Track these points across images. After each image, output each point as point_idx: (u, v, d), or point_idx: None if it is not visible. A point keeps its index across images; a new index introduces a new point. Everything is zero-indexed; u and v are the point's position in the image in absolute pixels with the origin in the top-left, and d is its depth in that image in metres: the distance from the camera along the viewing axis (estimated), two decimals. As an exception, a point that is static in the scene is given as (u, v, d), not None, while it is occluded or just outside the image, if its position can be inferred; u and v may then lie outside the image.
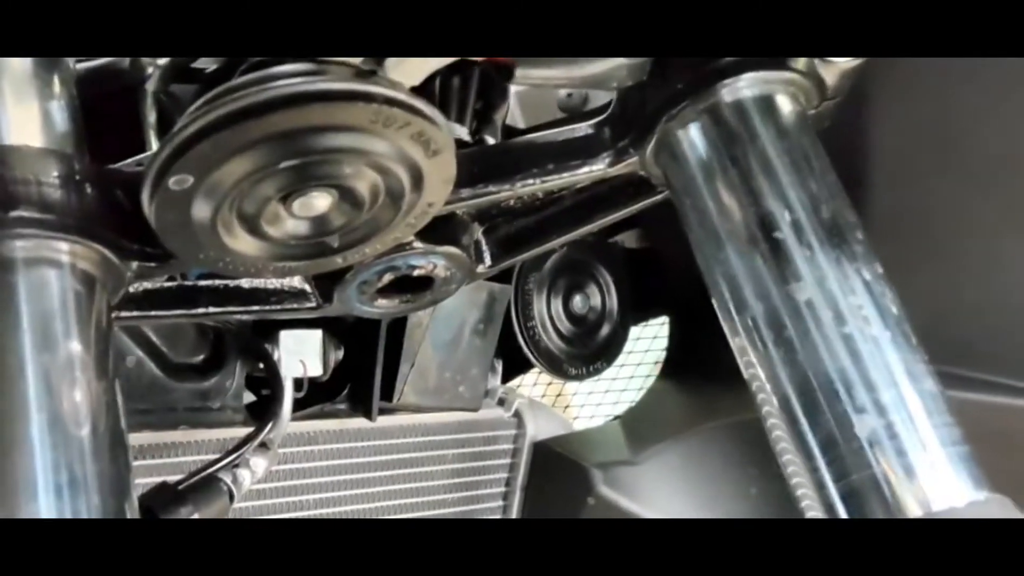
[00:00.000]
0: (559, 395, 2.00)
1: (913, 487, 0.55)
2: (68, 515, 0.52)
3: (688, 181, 0.66)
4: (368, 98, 0.51)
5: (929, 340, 0.64)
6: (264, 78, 0.50)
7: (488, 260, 0.79)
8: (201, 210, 0.55)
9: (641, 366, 1.74)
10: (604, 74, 0.62)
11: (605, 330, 1.18)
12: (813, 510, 0.59)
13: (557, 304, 1.15)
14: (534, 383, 1.67)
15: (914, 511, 0.54)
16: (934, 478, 0.55)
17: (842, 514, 0.56)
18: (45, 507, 0.52)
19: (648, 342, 1.58)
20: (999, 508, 0.54)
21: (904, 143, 0.85)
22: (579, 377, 1.18)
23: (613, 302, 1.19)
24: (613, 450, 1.12)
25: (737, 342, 0.63)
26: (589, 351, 1.17)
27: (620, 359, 1.24)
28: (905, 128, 0.84)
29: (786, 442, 0.60)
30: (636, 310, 1.23)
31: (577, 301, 1.16)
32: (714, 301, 0.65)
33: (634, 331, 1.27)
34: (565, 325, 1.16)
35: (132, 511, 0.56)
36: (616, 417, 1.40)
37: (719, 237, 0.64)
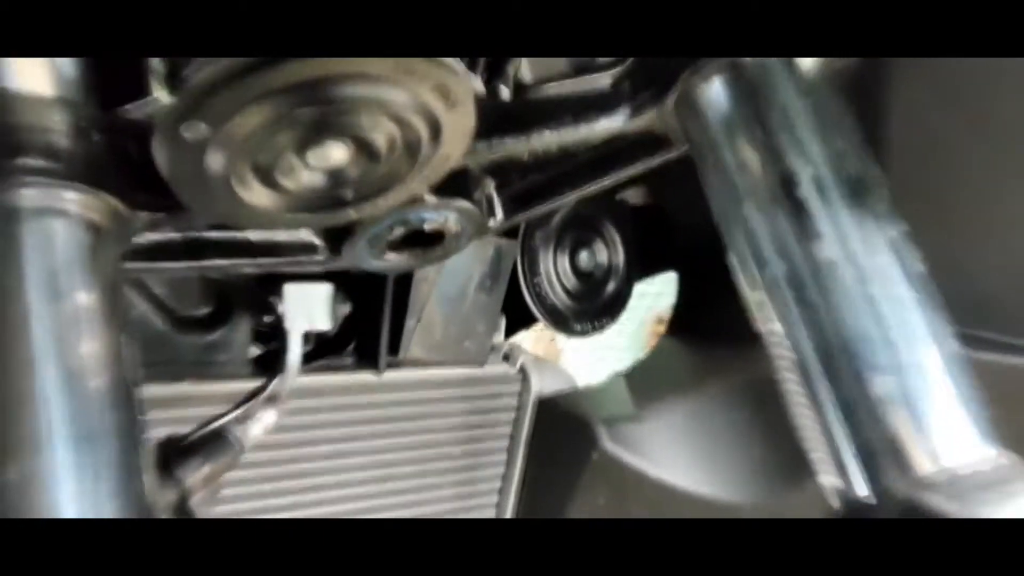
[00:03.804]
0: (551, 342, 2.00)
1: (926, 445, 0.55)
2: (80, 467, 0.52)
3: (709, 136, 0.65)
4: (390, 46, 0.49)
5: (951, 302, 0.64)
6: (282, 24, 0.49)
7: (500, 215, 0.78)
8: (215, 161, 0.54)
9: (630, 323, 1.74)
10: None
11: (611, 286, 1.18)
12: (826, 470, 0.59)
13: (563, 260, 1.14)
14: (536, 339, 1.66)
15: (927, 468, 0.54)
16: (948, 437, 0.55)
17: (857, 472, 0.56)
18: (58, 459, 0.51)
19: (637, 300, 1.58)
20: (1008, 468, 0.54)
21: (932, 111, 0.84)
22: (584, 333, 1.17)
23: (619, 258, 1.18)
24: (618, 406, 1.12)
25: (756, 299, 0.62)
26: (595, 307, 1.16)
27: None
28: (934, 96, 0.83)
29: (802, 401, 0.60)
30: (642, 266, 1.23)
31: (583, 257, 1.15)
32: (733, 257, 0.65)
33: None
34: (571, 281, 1.15)
35: (144, 464, 0.56)
36: (619, 372, 1.40)
37: (739, 194, 0.63)
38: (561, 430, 1.12)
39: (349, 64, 0.50)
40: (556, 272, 1.13)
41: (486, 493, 1.14)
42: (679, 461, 1.05)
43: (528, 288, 1.10)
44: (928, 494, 0.53)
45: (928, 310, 0.58)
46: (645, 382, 1.15)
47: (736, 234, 0.63)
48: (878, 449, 0.56)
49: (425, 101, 0.55)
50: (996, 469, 0.55)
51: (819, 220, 0.59)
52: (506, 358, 1.14)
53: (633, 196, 1.28)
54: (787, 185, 0.60)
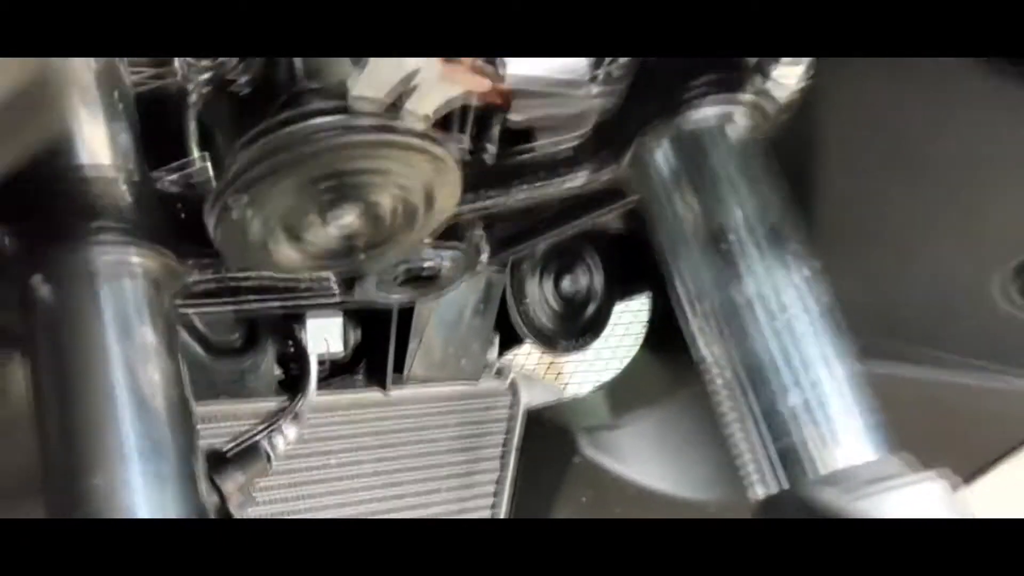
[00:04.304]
0: (552, 363, 2.14)
1: (829, 448, 0.68)
2: (151, 475, 0.64)
3: (655, 193, 0.78)
4: (393, 144, 0.63)
5: (875, 317, 0.74)
6: (308, 126, 0.62)
7: (487, 255, 0.91)
8: (256, 229, 0.67)
9: (626, 337, 1.87)
10: (584, 111, 0.74)
11: (592, 308, 1.30)
12: (753, 470, 0.72)
13: (548, 285, 1.26)
14: (528, 353, 1.79)
15: (828, 467, 0.67)
16: (845, 441, 0.68)
17: (773, 472, 0.69)
18: (133, 468, 0.63)
19: (633, 315, 1.70)
20: (892, 467, 0.67)
21: (855, 142, 0.94)
22: (568, 350, 1.30)
23: (599, 282, 1.30)
24: (597, 415, 1.24)
25: (695, 326, 0.76)
26: (577, 327, 1.29)
27: (607, 332, 1.36)
28: (856, 129, 0.93)
29: (732, 412, 0.73)
30: (621, 288, 1.35)
31: (566, 282, 1.28)
32: (677, 292, 0.77)
33: (619, 307, 1.38)
34: (555, 304, 1.27)
35: (199, 471, 0.68)
36: (602, 385, 1.52)
37: (679, 240, 0.76)
38: (547, 438, 1.24)
39: (363, 154, 0.64)
40: (542, 296, 1.26)
41: (482, 496, 1.27)
42: (651, 464, 1.17)
43: (517, 312, 1.23)
44: (827, 488, 0.66)
45: (830, 336, 0.71)
46: (621, 393, 1.27)
47: (677, 273, 0.76)
48: (790, 453, 0.69)
49: (422, 176, 0.68)
50: (883, 468, 0.68)
51: (741, 265, 0.73)
52: (498, 374, 1.27)
53: (611, 224, 1.40)
54: (717, 237, 0.74)
